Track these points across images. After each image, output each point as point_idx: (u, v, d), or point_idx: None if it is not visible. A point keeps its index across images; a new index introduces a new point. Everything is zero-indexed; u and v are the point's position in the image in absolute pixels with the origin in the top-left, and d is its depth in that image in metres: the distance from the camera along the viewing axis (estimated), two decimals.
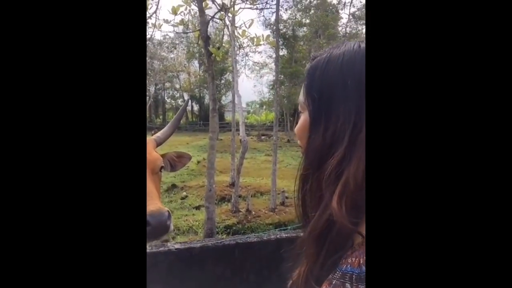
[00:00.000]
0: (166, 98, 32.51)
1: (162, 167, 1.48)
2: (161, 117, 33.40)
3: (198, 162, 9.56)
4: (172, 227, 1.28)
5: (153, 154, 1.43)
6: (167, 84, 27.97)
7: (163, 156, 1.55)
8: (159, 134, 1.65)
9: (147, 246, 1.74)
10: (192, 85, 25.75)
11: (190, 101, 28.96)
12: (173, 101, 33.53)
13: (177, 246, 1.80)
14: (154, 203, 1.24)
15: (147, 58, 15.20)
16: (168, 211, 1.25)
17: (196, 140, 16.79)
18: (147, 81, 15.28)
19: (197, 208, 5.03)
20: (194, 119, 32.52)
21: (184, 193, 6.00)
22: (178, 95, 32.05)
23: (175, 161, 1.61)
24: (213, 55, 3.05)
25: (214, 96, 3.39)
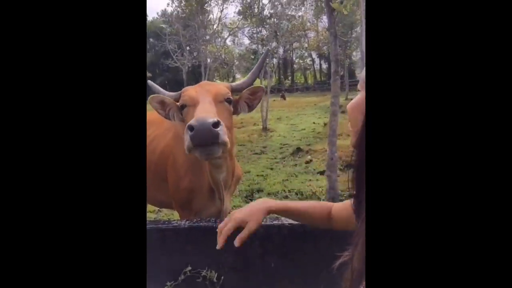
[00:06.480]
0: (294, 58, 32.61)
1: (229, 99, 1.46)
2: (290, 78, 33.92)
3: (325, 124, 9.37)
4: (224, 138, 1.22)
5: (218, 87, 1.46)
6: (295, 44, 27.81)
7: (238, 99, 1.55)
8: (238, 82, 1.65)
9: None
10: (320, 42, 24.88)
11: (317, 59, 28.35)
12: (301, 61, 33.43)
13: (290, 221, 1.78)
14: (203, 113, 1.21)
15: (275, 19, 15.31)
16: (217, 119, 1.19)
17: (324, 100, 16.44)
18: (275, 43, 15.53)
19: (321, 173, 4.97)
20: (322, 78, 31.84)
21: (309, 157, 6.01)
22: (306, 54, 31.65)
23: (251, 99, 1.56)
24: (336, 11, 2.74)
25: (337, 57, 3.10)
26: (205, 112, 1.25)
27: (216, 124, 1.18)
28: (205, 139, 1.17)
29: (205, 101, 1.34)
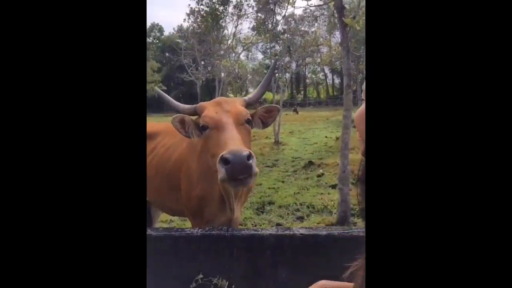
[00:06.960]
0: (307, 73, 32.78)
1: (248, 120, 1.50)
2: (302, 92, 34.04)
3: (337, 138, 9.33)
4: (256, 169, 1.26)
5: (238, 107, 1.49)
6: (308, 59, 28.02)
7: (253, 114, 1.58)
8: (250, 95, 1.70)
9: (273, 228, 1.79)
10: (333, 57, 25.04)
11: (330, 74, 28.46)
12: (313, 76, 33.59)
13: (302, 231, 1.78)
14: (235, 144, 1.24)
15: (288, 35, 15.52)
16: (249, 152, 1.21)
17: (337, 115, 16.42)
18: (288, 58, 15.70)
19: (333, 187, 4.94)
20: (335, 93, 31.84)
21: (321, 171, 5.98)
22: (318, 69, 31.84)
23: (265, 117, 1.60)
24: (348, 27, 2.79)
25: (349, 71, 3.13)
26: (235, 141, 1.28)
27: (249, 157, 1.22)
28: (241, 173, 1.21)
29: (229, 126, 1.37)
